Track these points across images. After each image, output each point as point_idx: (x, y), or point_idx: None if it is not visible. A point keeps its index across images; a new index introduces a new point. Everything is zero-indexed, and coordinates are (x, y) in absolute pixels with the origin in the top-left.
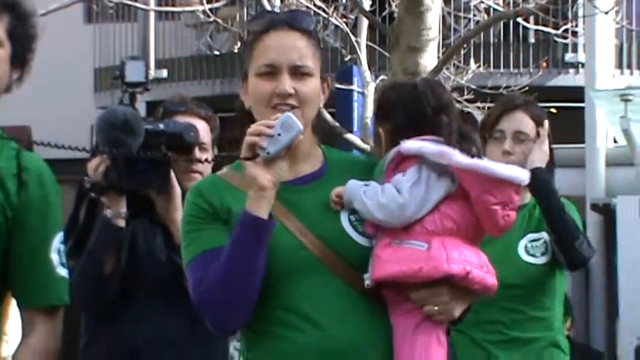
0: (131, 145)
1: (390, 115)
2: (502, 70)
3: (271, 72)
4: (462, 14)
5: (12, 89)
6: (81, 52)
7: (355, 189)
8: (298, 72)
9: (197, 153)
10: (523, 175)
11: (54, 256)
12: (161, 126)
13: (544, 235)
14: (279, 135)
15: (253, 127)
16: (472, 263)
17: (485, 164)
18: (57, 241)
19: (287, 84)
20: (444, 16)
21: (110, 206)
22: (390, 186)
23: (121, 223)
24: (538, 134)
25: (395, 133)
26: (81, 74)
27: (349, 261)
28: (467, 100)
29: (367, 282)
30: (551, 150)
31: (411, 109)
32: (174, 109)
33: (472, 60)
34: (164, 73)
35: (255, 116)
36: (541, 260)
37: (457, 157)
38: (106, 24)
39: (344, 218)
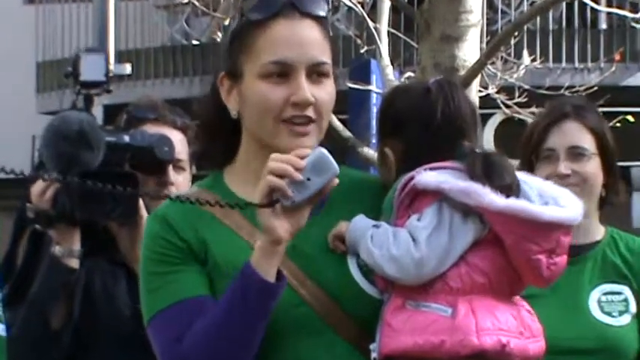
0: (88, 162)
1: (399, 133)
2: (564, 65)
3: (282, 73)
4: None
5: None
6: (19, 41)
7: (360, 232)
8: (316, 72)
9: (171, 173)
10: (575, 212)
11: None
12: (126, 138)
13: (624, 291)
14: (308, 179)
15: (277, 165)
16: (509, 331)
17: (524, 205)
18: None
19: (307, 89)
20: None
21: (60, 242)
22: (404, 233)
23: (74, 263)
24: (601, 147)
25: (406, 156)
26: (19, 70)
27: (357, 317)
28: (518, 104)
29: (374, 355)
30: (622, 169)
31: (425, 126)
32: (142, 116)
33: (525, 52)
34: (127, 68)
35: (253, 130)
36: (621, 321)
37: (488, 196)
38: (52, 4)
39: (351, 261)
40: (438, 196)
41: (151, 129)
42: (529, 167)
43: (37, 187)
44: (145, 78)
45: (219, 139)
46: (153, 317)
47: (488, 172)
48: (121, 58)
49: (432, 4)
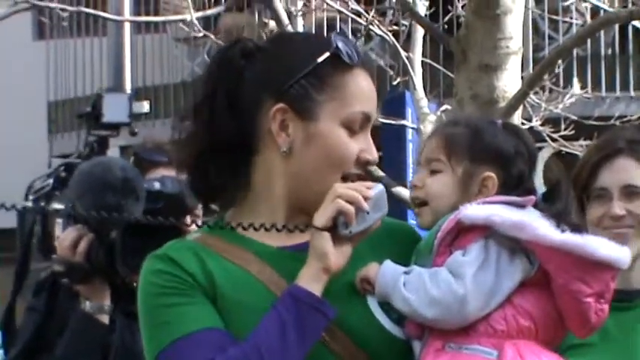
0: (132, 212)
1: (510, 161)
2: (618, 93)
3: (360, 127)
4: (560, 17)
5: None
6: (29, 79)
7: (392, 280)
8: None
9: (188, 219)
10: (626, 254)
11: None
12: (157, 185)
13: None
14: (367, 213)
15: (348, 192)
16: None
17: (581, 241)
18: None
19: (374, 148)
20: (535, 20)
21: (90, 297)
22: (443, 272)
23: (105, 319)
24: None
25: (509, 185)
26: (30, 110)
27: (377, 358)
28: (565, 137)
29: None
30: None
31: (524, 157)
32: (153, 159)
33: (575, 80)
34: (145, 106)
35: (306, 176)
36: None
37: (543, 230)
38: (64, 39)
39: (372, 301)
40: (484, 232)
41: (163, 173)
42: (580, 207)
43: (68, 238)
44: (164, 116)
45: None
46: (163, 350)
47: (548, 203)
48: (138, 95)
49: (469, 31)
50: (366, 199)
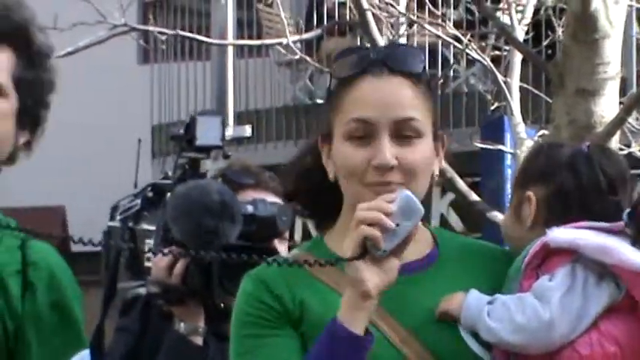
0: (229, 236)
1: (550, 177)
2: None
3: (365, 134)
4: None
5: (17, 158)
6: (133, 103)
7: (476, 311)
8: (403, 132)
9: (276, 243)
10: None
11: None
12: (249, 208)
13: None
14: (397, 225)
15: (367, 214)
16: None
17: None
18: None
19: (387, 151)
20: (639, 45)
21: (184, 319)
22: (529, 297)
23: (199, 341)
24: None
25: (550, 203)
26: (133, 134)
27: None
28: None
29: None
30: None
31: (579, 171)
32: (241, 181)
33: None
34: (247, 130)
35: (346, 194)
36: None
37: (628, 254)
38: (168, 63)
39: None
40: (572, 256)
41: (251, 195)
42: None
43: (164, 260)
44: (266, 140)
45: (319, 202)
46: None
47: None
48: (240, 119)
49: (566, 56)
50: (388, 214)
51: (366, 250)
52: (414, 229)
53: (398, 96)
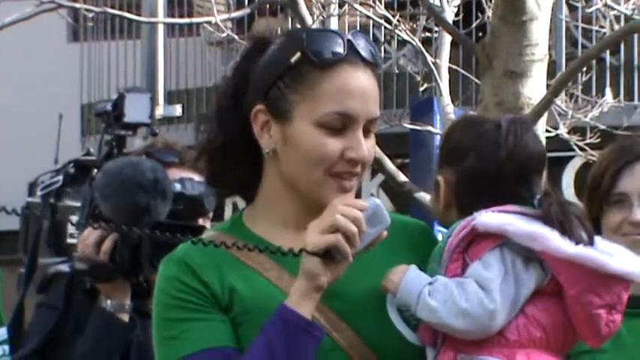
0: (161, 213)
1: (456, 161)
2: None
3: (342, 125)
4: (593, 26)
5: None
6: (63, 82)
7: (414, 288)
8: (368, 127)
9: (200, 222)
10: (638, 268)
11: None
12: (177, 186)
13: None
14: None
15: (346, 226)
16: None
17: (594, 255)
18: None
19: (364, 146)
20: (568, 29)
21: (112, 296)
22: (471, 284)
23: (125, 318)
24: None
25: (459, 188)
26: (63, 112)
27: None
28: (591, 146)
29: None
30: None
31: (485, 157)
32: (165, 159)
33: (608, 89)
34: (177, 109)
35: (291, 175)
36: None
37: (555, 242)
38: (98, 42)
39: (391, 305)
40: (498, 240)
41: (176, 173)
42: (597, 213)
43: (91, 237)
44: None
45: (241, 168)
46: None
47: (564, 220)
48: (170, 98)
49: (495, 38)
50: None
51: (329, 251)
52: (378, 238)
53: (372, 90)
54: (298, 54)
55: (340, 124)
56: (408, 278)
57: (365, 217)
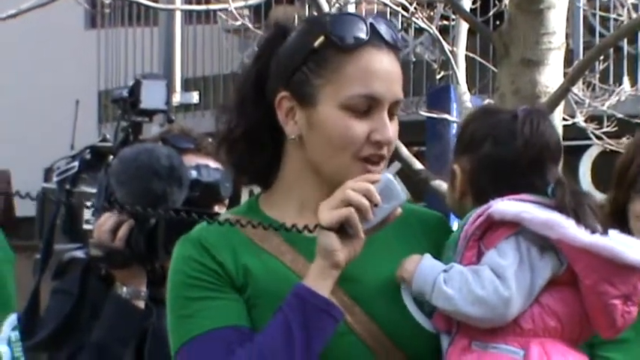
0: (176, 200)
1: (473, 149)
2: None
3: (368, 107)
4: (610, 14)
5: None
6: (80, 68)
7: (431, 276)
8: (392, 110)
9: (216, 209)
10: None
11: (1, 349)
12: (193, 173)
13: None
14: (375, 206)
15: (358, 200)
16: None
17: (610, 244)
18: (6, 328)
19: (390, 128)
20: (586, 18)
21: (126, 283)
22: (487, 272)
23: (141, 305)
24: None
25: (475, 176)
26: (80, 99)
27: (410, 352)
28: (608, 135)
29: None
30: None
31: (501, 146)
32: (181, 146)
33: (625, 78)
34: (194, 97)
35: (317, 159)
36: None
37: (572, 230)
38: (116, 28)
39: (405, 292)
40: (514, 228)
41: (192, 160)
42: (624, 200)
43: (107, 224)
44: (213, 107)
45: (263, 156)
46: (185, 344)
47: (578, 209)
48: (187, 86)
49: (512, 26)
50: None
51: (342, 225)
52: (392, 213)
53: (396, 73)
54: (322, 38)
55: (365, 107)
56: (423, 266)
57: (377, 191)
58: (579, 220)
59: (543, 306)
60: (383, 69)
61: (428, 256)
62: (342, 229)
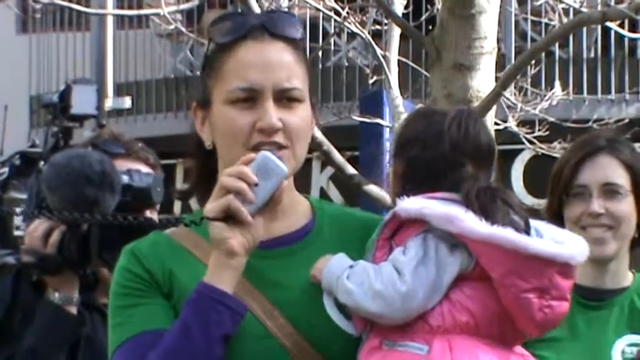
0: (108, 206)
1: (404, 151)
2: (599, 96)
3: (249, 98)
4: (542, 19)
5: None
6: (11, 73)
7: (337, 272)
8: (285, 97)
9: (147, 214)
10: (573, 250)
11: None
12: (125, 178)
13: None
14: (255, 185)
15: (232, 184)
16: None
17: (509, 235)
18: None
19: (273, 114)
20: (517, 22)
21: (59, 289)
22: (387, 267)
23: (73, 311)
24: (636, 184)
25: (405, 178)
26: (11, 104)
27: (328, 355)
28: (540, 139)
29: None
30: None
31: (428, 147)
32: (111, 150)
33: (557, 82)
34: (127, 102)
35: (225, 159)
36: None
37: (469, 222)
38: (47, 33)
39: (327, 299)
40: (423, 226)
41: (123, 165)
42: (558, 205)
43: (39, 230)
44: (146, 112)
45: (204, 173)
46: (115, 350)
47: (485, 203)
48: (120, 91)
49: (443, 31)
50: (250, 184)
51: (230, 215)
52: (278, 189)
53: (279, 61)
54: (210, 44)
55: (246, 98)
56: (332, 264)
57: (253, 170)
58: (486, 213)
59: (453, 302)
60: (261, 60)
61: (340, 255)
62: (232, 218)
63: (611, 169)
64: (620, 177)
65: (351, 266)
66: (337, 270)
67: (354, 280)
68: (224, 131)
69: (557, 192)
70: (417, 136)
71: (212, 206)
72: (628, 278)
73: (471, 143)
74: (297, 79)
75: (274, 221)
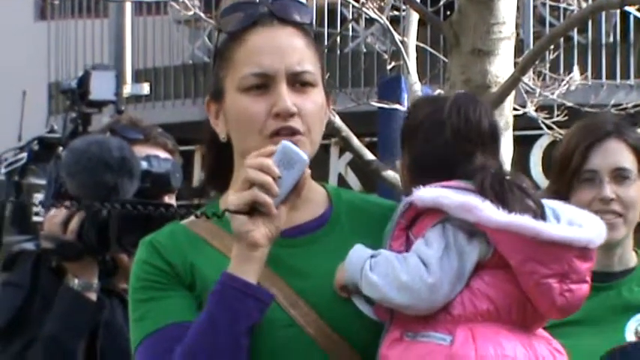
0: (128, 191)
1: (408, 144)
2: (618, 81)
3: (263, 84)
4: (560, 4)
5: None
6: (30, 60)
7: (358, 264)
8: (298, 81)
9: (166, 199)
10: (590, 234)
11: None
12: (144, 164)
13: None
14: (279, 177)
15: (258, 177)
16: (516, 359)
17: (527, 222)
18: None
19: (287, 98)
20: (535, 7)
21: (78, 275)
22: (413, 257)
23: (93, 297)
24: None
25: (412, 170)
26: (30, 90)
27: (356, 343)
28: (558, 124)
29: None
30: None
31: (430, 136)
32: (130, 136)
33: (576, 68)
34: (145, 88)
35: (241, 150)
36: None
37: (487, 211)
38: (66, 20)
39: (355, 295)
40: (440, 215)
41: (141, 150)
42: (567, 191)
43: (58, 216)
44: (164, 98)
45: (219, 166)
46: (138, 345)
47: (501, 192)
48: (138, 77)
49: (462, 16)
50: (274, 177)
51: (253, 208)
52: (301, 178)
53: (290, 46)
54: (220, 36)
55: (259, 84)
56: (352, 256)
57: (275, 161)
58: (501, 201)
59: (474, 290)
60: (271, 45)
61: (357, 247)
62: (255, 210)
63: (620, 154)
64: (629, 161)
65: (373, 256)
66: (358, 261)
67: (377, 271)
68: (239, 120)
69: (566, 177)
70: (418, 125)
71: (236, 198)
72: (633, 259)
73: (474, 129)
74: (308, 63)
75: (294, 210)
